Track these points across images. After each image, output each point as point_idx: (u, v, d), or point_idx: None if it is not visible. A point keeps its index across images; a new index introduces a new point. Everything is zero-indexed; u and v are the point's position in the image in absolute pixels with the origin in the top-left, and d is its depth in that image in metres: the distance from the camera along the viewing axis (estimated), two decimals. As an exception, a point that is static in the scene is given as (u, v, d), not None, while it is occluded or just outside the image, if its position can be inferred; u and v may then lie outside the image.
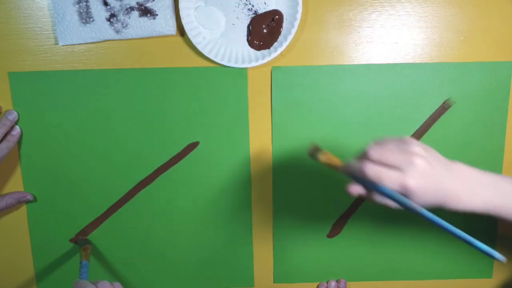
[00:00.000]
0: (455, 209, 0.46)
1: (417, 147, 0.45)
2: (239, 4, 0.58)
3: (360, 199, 0.65)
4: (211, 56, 0.59)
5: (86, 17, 0.58)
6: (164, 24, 0.58)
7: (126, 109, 0.62)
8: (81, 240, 0.64)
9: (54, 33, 0.60)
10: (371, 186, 0.45)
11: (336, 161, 0.50)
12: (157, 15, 0.58)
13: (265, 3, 0.58)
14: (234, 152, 0.63)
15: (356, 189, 0.48)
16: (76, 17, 0.58)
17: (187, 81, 0.61)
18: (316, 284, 0.68)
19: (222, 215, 0.65)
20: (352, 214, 0.66)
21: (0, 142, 0.59)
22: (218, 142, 0.63)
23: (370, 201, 0.48)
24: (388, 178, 0.44)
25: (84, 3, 0.58)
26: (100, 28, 0.58)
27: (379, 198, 0.47)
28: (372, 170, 0.45)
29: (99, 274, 0.67)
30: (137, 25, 0.58)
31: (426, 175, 0.44)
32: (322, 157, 0.50)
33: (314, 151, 0.51)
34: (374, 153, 0.45)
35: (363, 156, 0.47)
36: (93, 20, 0.58)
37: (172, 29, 0.59)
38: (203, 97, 0.62)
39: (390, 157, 0.45)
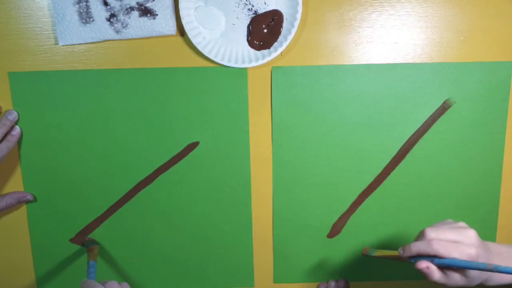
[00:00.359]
0: (499, 283, 0.51)
1: (462, 223, 0.52)
2: (239, 4, 0.59)
3: (360, 199, 0.65)
4: (211, 56, 0.59)
5: (86, 17, 0.58)
6: (164, 24, 0.58)
7: (126, 109, 0.62)
8: (87, 241, 0.64)
9: (54, 33, 0.60)
10: (438, 261, 0.50)
11: (391, 252, 0.57)
12: (157, 15, 0.58)
13: (265, 3, 0.58)
14: (234, 152, 0.63)
15: (425, 264, 0.51)
16: (76, 17, 0.58)
17: (187, 81, 0.61)
18: (316, 284, 0.68)
19: (222, 215, 0.65)
20: (352, 214, 0.66)
21: (0, 142, 0.59)
22: (218, 142, 0.63)
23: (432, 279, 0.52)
24: (456, 250, 0.49)
25: (84, 3, 0.58)
26: (100, 28, 0.58)
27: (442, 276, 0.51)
28: (441, 245, 0.49)
29: (99, 273, 0.67)
30: (137, 25, 0.58)
31: (479, 245, 0.49)
32: (377, 253, 0.58)
33: (368, 251, 0.60)
34: (431, 233, 0.51)
35: (421, 237, 0.52)
36: (93, 20, 0.58)
37: (172, 29, 0.59)
38: (203, 97, 0.62)
39: (448, 234, 0.50)
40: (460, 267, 0.49)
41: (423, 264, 0.51)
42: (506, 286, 0.53)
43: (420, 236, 0.52)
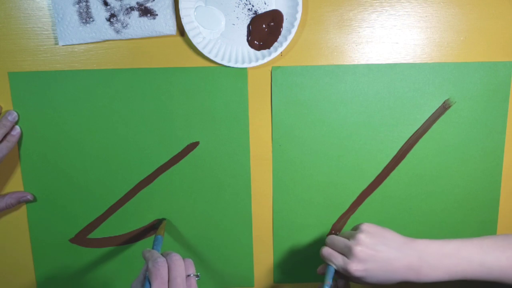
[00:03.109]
0: (418, 282, 0.53)
1: (361, 235, 0.54)
2: (239, 4, 0.59)
3: (360, 199, 0.65)
4: (211, 56, 0.59)
5: (86, 17, 0.58)
6: (164, 24, 0.58)
7: (126, 109, 0.62)
8: (157, 223, 0.65)
9: (54, 33, 0.60)
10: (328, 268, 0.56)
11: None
12: (157, 15, 0.58)
13: (265, 3, 0.58)
14: (234, 152, 0.63)
15: (321, 270, 0.59)
16: (76, 17, 0.58)
17: (187, 81, 0.61)
18: (316, 284, 0.68)
19: (222, 215, 0.65)
20: (352, 214, 0.66)
21: (0, 142, 0.59)
22: (218, 142, 0.63)
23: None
24: (336, 260, 0.54)
25: (84, 3, 0.58)
26: (100, 28, 0.58)
27: None
28: (325, 252, 0.56)
29: (97, 270, 0.67)
30: (137, 25, 0.58)
31: (367, 260, 0.52)
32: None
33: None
34: (329, 241, 0.57)
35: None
36: (93, 20, 0.58)
37: (172, 29, 0.59)
38: (203, 97, 0.62)
39: (337, 244, 0.55)
40: (325, 275, 0.55)
41: (319, 270, 0.59)
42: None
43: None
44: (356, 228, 0.57)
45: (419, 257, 0.52)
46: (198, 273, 0.51)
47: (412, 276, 0.52)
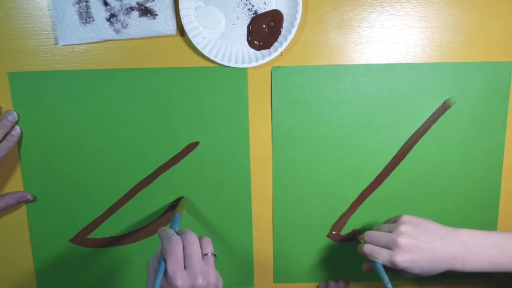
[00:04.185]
0: (463, 271, 0.53)
1: (403, 226, 0.53)
2: (239, 4, 0.59)
3: (360, 199, 0.65)
4: (211, 56, 0.59)
5: (86, 17, 0.58)
6: (164, 24, 0.58)
7: (126, 109, 0.62)
8: (176, 201, 0.64)
9: (54, 33, 0.60)
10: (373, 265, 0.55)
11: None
12: (157, 15, 0.58)
13: (265, 3, 0.58)
14: (234, 152, 0.63)
15: (366, 267, 0.58)
16: (76, 17, 0.58)
17: (187, 81, 0.61)
18: (316, 284, 0.68)
19: (222, 215, 0.65)
20: (352, 214, 0.66)
21: (0, 142, 0.59)
22: (218, 142, 0.63)
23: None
24: (380, 255, 0.54)
25: (84, 3, 0.58)
26: (100, 28, 0.58)
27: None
28: (367, 249, 0.55)
29: (97, 270, 0.67)
30: (137, 25, 0.58)
31: (412, 251, 0.52)
32: (359, 238, 0.60)
33: (356, 233, 0.65)
34: (368, 237, 0.56)
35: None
36: (93, 20, 0.58)
37: (172, 29, 0.59)
38: (203, 97, 0.62)
39: (379, 240, 0.55)
40: (376, 272, 0.54)
41: (364, 267, 0.58)
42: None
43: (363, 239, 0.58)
44: (395, 220, 0.57)
45: (463, 246, 0.52)
46: (216, 253, 0.49)
47: (457, 266, 0.52)
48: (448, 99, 0.62)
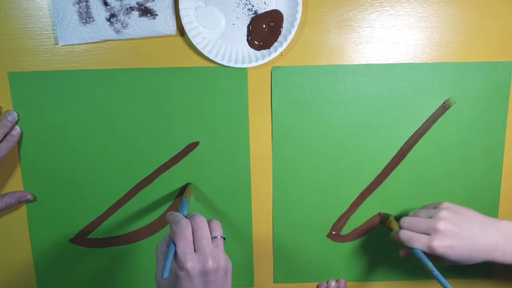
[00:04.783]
0: (503, 263, 0.52)
1: (443, 212, 0.53)
2: (239, 4, 0.59)
3: (360, 199, 0.65)
4: (211, 56, 0.59)
5: (86, 17, 0.58)
6: (164, 24, 0.58)
7: (126, 109, 0.62)
8: (183, 188, 0.64)
9: (54, 33, 0.60)
10: (411, 251, 0.55)
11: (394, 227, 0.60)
12: (157, 15, 0.58)
13: (265, 3, 0.58)
14: (234, 152, 0.63)
15: (403, 252, 0.57)
16: (76, 17, 0.58)
17: (187, 81, 0.61)
18: (316, 284, 0.68)
19: (222, 215, 0.65)
20: (352, 214, 0.66)
21: (0, 142, 0.59)
22: (218, 142, 0.63)
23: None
24: (417, 241, 0.53)
25: (84, 3, 0.58)
26: (100, 28, 0.58)
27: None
28: (404, 235, 0.54)
29: (98, 270, 0.67)
30: (137, 25, 0.58)
31: (452, 237, 0.51)
32: (387, 222, 0.61)
33: (384, 217, 0.65)
34: (405, 223, 0.56)
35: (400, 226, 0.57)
36: (93, 20, 0.58)
37: (172, 29, 0.59)
38: (203, 97, 0.62)
39: (418, 225, 0.54)
40: (417, 258, 0.53)
41: (401, 252, 0.57)
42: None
43: (399, 225, 0.57)
44: (434, 207, 0.56)
45: (505, 237, 0.52)
46: (225, 236, 0.49)
47: (497, 257, 0.52)
48: (448, 99, 0.62)
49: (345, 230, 0.66)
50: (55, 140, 0.62)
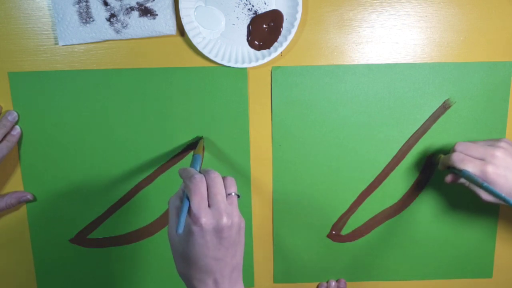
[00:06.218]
0: None
1: (503, 143, 0.54)
2: (239, 4, 0.59)
3: (360, 199, 0.65)
4: (211, 56, 0.59)
5: (86, 17, 0.58)
6: (164, 24, 0.58)
7: (126, 109, 0.62)
8: (195, 141, 0.62)
9: (54, 33, 0.60)
10: (460, 173, 0.54)
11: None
12: (157, 15, 0.58)
13: (265, 3, 0.58)
14: (234, 152, 0.63)
15: (450, 178, 0.57)
16: (76, 17, 0.58)
17: (187, 81, 0.61)
18: (316, 284, 0.68)
19: (222, 215, 0.65)
20: (352, 214, 0.66)
21: (0, 142, 0.59)
22: (218, 142, 0.63)
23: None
24: (471, 162, 0.53)
25: (84, 3, 0.58)
26: (100, 28, 0.58)
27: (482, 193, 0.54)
28: (458, 157, 0.54)
29: (97, 270, 0.67)
30: (137, 25, 0.58)
31: (507, 167, 0.52)
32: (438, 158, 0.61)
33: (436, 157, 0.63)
34: (460, 146, 0.55)
35: (451, 150, 0.57)
36: (93, 20, 0.58)
37: (172, 29, 0.59)
38: (203, 97, 0.62)
39: (474, 150, 0.54)
40: (466, 179, 0.53)
41: (447, 178, 0.57)
42: None
43: (452, 149, 0.57)
44: (493, 140, 0.56)
45: None
46: (239, 193, 0.47)
47: None
48: (448, 99, 0.62)
49: (345, 230, 0.66)
50: (55, 140, 0.62)
